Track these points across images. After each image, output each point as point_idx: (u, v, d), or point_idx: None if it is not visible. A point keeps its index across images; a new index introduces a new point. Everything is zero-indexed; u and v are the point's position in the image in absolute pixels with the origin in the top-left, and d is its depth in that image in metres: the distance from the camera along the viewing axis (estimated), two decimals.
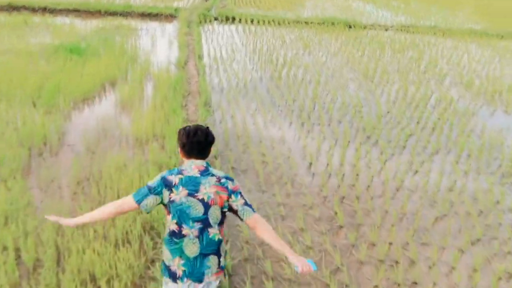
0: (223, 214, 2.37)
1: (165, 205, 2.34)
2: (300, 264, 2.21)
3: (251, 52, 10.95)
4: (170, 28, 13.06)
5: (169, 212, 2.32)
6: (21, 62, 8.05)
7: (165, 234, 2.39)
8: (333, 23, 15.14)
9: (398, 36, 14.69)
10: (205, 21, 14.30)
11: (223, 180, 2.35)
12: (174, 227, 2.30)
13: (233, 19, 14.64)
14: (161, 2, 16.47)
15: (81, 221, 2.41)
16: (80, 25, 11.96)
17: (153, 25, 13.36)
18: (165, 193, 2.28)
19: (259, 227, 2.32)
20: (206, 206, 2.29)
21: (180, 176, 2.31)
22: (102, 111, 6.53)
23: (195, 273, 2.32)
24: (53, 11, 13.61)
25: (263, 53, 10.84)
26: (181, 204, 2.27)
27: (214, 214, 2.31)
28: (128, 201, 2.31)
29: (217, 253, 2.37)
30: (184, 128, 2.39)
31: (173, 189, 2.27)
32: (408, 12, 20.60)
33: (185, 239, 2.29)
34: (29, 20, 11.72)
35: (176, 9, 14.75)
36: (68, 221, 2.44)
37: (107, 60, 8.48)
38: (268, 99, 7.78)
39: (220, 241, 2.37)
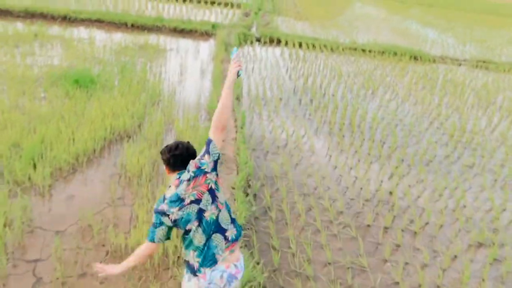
0: (212, 192, 2.44)
1: (173, 226, 2.46)
2: (236, 68, 2.59)
3: (301, 89, 8.78)
4: (205, 49, 11.05)
5: (179, 228, 2.45)
6: (7, 96, 6.17)
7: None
8: (395, 53, 12.80)
9: (475, 75, 12.19)
10: (246, 42, 12.24)
11: (191, 170, 2.43)
12: (184, 232, 2.45)
13: (278, 41, 12.54)
14: (197, 15, 14.60)
15: (120, 269, 2.50)
16: (100, 42, 10.11)
17: (185, 43, 11.39)
18: (166, 220, 2.42)
19: (218, 116, 2.49)
20: (197, 201, 2.41)
21: (166, 201, 2.43)
22: (94, 194, 4.46)
23: (207, 258, 2.41)
24: (74, 21, 11.87)
25: (316, 92, 8.65)
26: (182, 218, 2.40)
27: (205, 200, 2.42)
28: (145, 245, 2.49)
29: (218, 230, 2.44)
30: (165, 146, 2.55)
31: (169, 214, 2.41)
32: (475, 40, 18.00)
33: (191, 232, 2.42)
34: (41, 33, 9.95)
35: (213, 25, 12.77)
36: (113, 270, 2.51)
37: (120, 98, 6.48)
38: (327, 172, 5.57)
39: (217, 218, 2.43)
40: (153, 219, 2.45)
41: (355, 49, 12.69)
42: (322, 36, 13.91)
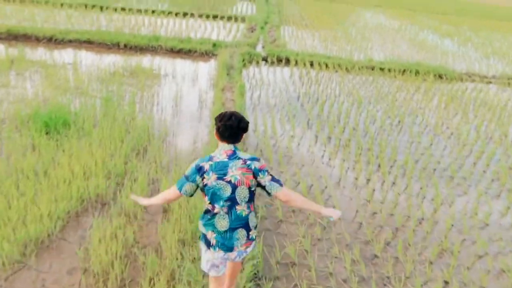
0: (251, 193, 2.61)
1: (201, 188, 2.59)
2: (332, 214, 2.64)
3: (316, 121, 7.51)
4: (204, 73, 9.83)
5: (205, 195, 2.60)
6: None
7: (202, 211, 2.70)
8: (417, 72, 11.50)
9: (509, 95, 10.84)
10: (251, 63, 11.02)
11: (248, 162, 2.57)
12: (208, 206, 2.61)
13: (287, 60, 11.30)
14: (197, 31, 13.44)
15: (150, 202, 2.79)
16: (85, 67, 8.95)
17: (183, 66, 10.19)
18: (198, 179, 2.54)
19: (290, 199, 2.60)
20: (234, 186, 2.54)
21: (210, 162, 2.55)
22: None
23: (226, 244, 2.62)
24: (60, 42, 10.75)
25: (333, 125, 7.39)
26: (213, 187, 2.53)
27: (241, 194, 2.56)
28: (173, 190, 2.65)
29: (245, 227, 2.63)
30: (221, 113, 2.64)
31: (205, 175, 2.53)
32: (497, 52, 16.62)
33: (216, 216, 2.59)
34: (19, 59, 8.81)
35: (214, 44, 11.58)
36: (143, 201, 2.84)
37: (97, 147, 5.25)
38: (358, 250, 4.27)
39: (247, 216, 2.62)
40: (188, 171, 2.56)
41: (373, 68, 11.41)
42: (335, 53, 12.66)
